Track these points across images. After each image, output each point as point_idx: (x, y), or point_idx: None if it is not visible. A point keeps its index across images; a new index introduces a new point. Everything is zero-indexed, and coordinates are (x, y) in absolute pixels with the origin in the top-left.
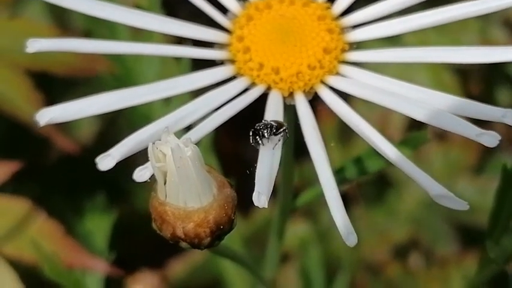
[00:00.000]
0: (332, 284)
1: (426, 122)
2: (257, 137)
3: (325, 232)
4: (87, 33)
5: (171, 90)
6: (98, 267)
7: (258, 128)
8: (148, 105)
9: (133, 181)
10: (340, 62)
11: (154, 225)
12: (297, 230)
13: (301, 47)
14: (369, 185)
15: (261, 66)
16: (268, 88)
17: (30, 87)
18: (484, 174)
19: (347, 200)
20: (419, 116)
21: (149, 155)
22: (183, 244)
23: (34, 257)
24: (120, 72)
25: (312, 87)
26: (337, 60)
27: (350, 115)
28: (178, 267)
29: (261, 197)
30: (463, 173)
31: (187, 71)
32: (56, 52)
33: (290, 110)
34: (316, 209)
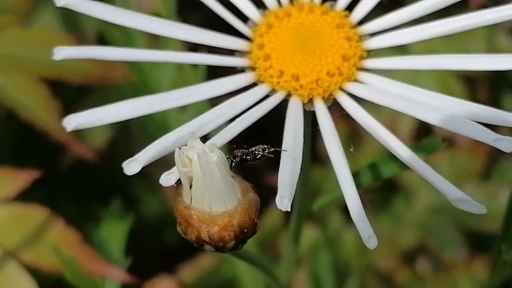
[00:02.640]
0: None
1: (444, 128)
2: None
3: (334, 237)
4: (103, 41)
5: (194, 97)
6: (115, 275)
7: (237, 154)
8: (164, 112)
9: (142, 188)
10: (358, 69)
11: (179, 229)
12: (307, 235)
13: (321, 54)
14: (376, 191)
15: (281, 73)
16: (288, 95)
17: (48, 95)
18: (490, 180)
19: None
20: (436, 121)
21: (176, 160)
22: (208, 247)
23: (52, 264)
24: (137, 79)
25: (331, 94)
26: (356, 67)
27: (368, 121)
28: (189, 273)
29: (283, 200)
30: (470, 179)
31: (203, 77)
32: (72, 60)
33: (308, 116)
34: (325, 214)
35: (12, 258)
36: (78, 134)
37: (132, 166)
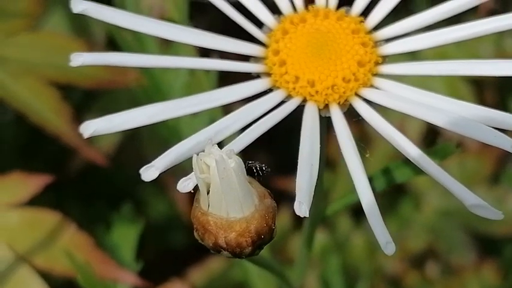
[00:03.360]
0: None
1: (460, 134)
2: None
3: (343, 241)
4: (112, 45)
5: (209, 103)
6: (127, 279)
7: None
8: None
9: (149, 192)
10: (374, 74)
11: (196, 235)
12: (317, 238)
13: (336, 60)
14: (385, 194)
15: (297, 79)
16: (304, 100)
17: (58, 99)
18: (499, 184)
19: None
20: (453, 127)
21: (193, 167)
22: (225, 253)
23: (65, 268)
24: (148, 84)
25: (346, 100)
26: (371, 73)
27: (384, 127)
28: (198, 276)
29: (302, 206)
30: (479, 183)
31: (214, 82)
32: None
33: (322, 121)
34: (334, 218)
35: (25, 262)
36: (88, 138)
37: (149, 172)
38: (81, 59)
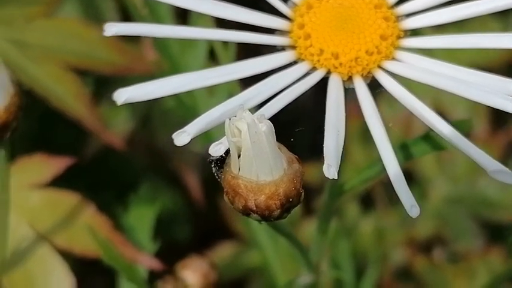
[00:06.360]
0: (361, 278)
1: (484, 104)
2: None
3: (352, 228)
4: None
5: (237, 74)
6: (145, 261)
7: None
8: (193, 96)
9: (159, 181)
10: (396, 48)
11: (226, 198)
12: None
13: (359, 33)
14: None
15: (321, 51)
16: (328, 72)
17: (78, 84)
18: None
19: (371, 196)
20: (477, 97)
21: (226, 130)
22: (254, 216)
23: (84, 248)
24: (167, 65)
25: (369, 72)
26: (393, 47)
27: (407, 97)
28: (217, 256)
29: (330, 169)
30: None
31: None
32: (100, 50)
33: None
34: (342, 205)
35: (46, 241)
36: (105, 123)
37: (181, 137)
38: (114, 29)
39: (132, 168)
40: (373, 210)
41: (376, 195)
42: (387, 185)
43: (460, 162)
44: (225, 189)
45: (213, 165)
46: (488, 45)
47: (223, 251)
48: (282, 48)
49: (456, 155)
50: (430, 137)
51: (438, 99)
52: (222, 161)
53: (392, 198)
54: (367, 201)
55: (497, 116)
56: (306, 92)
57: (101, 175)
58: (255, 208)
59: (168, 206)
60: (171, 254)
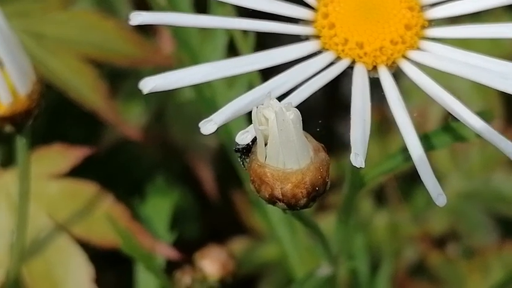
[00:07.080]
0: (376, 272)
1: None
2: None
3: (366, 223)
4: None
5: (266, 62)
6: (162, 251)
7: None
8: (212, 89)
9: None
10: (421, 38)
11: (251, 187)
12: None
13: (384, 23)
14: (407, 176)
15: (346, 41)
16: (353, 62)
17: (96, 76)
18: None
19: (385, 191)
20: (503, 87)
21: (253, 118)
22: (280, 205)
23: (102, 238)
24: (185, 57)
25: (394, 62)
26: (418, 37)
27: (432, 87)
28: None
29: (358, 157)
30: (500, 167)
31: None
32: (117, 43)
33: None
34: (356, 200)
35: (64, 231)
36: (121, 116)
37: (208, 126)
38: (140, 18)
39: (141, 165)
40: (387, 205)
41: (390, 191)
42: (400, 180)
43: (475, 157)
44: (250, 178)
45: (239, 154)
46: (510, 35)
47: (237, 246)
48: (305, 38)
49: (471, 150)
50: (451, 128)
51: (452, 92)
52: (248, 149)
53: (406, 193)
54: (380, 197)
55: (511, 110)
56: None
57: (112, 170)
58: (281, 196)
59: (178, 203)
60: (183, 249)
